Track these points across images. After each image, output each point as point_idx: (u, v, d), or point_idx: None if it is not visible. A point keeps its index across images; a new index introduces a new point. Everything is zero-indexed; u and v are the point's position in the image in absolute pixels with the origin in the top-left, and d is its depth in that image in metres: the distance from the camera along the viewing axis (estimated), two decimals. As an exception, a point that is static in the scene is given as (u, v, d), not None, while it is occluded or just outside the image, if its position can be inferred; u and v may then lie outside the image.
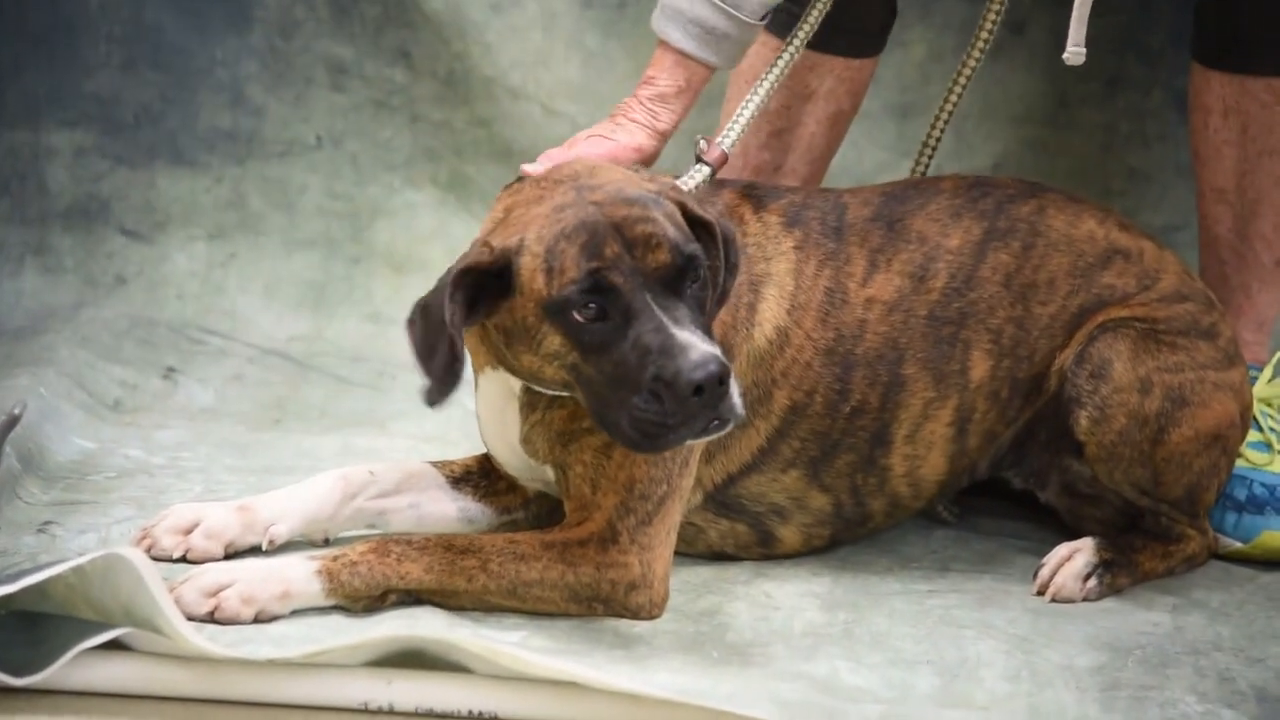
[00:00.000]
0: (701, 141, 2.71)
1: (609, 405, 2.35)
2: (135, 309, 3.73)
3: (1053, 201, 2.80)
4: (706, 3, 2.73)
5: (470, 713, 2.25)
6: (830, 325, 2.68)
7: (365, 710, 2.25)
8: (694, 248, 2.38)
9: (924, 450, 2.72)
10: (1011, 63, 3.71)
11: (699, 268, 2.38)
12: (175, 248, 3.80)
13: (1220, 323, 2.80)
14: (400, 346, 3.55)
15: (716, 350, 2.30)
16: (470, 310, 2.40)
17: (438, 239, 3.83)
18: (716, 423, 2.32)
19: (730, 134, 2.73)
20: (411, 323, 2.44)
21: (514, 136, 3.81)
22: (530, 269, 2.37)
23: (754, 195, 2.73)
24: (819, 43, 2.88)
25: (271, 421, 3.39)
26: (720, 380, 2.28)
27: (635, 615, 2.50)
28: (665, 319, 2.32)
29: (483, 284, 2.40)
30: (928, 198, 2.76)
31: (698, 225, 2.45)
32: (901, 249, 2.72)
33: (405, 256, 3.83)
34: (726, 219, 2.56)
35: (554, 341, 2.38)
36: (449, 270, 2.41)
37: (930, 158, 2.98)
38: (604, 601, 2.49)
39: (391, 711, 2.25)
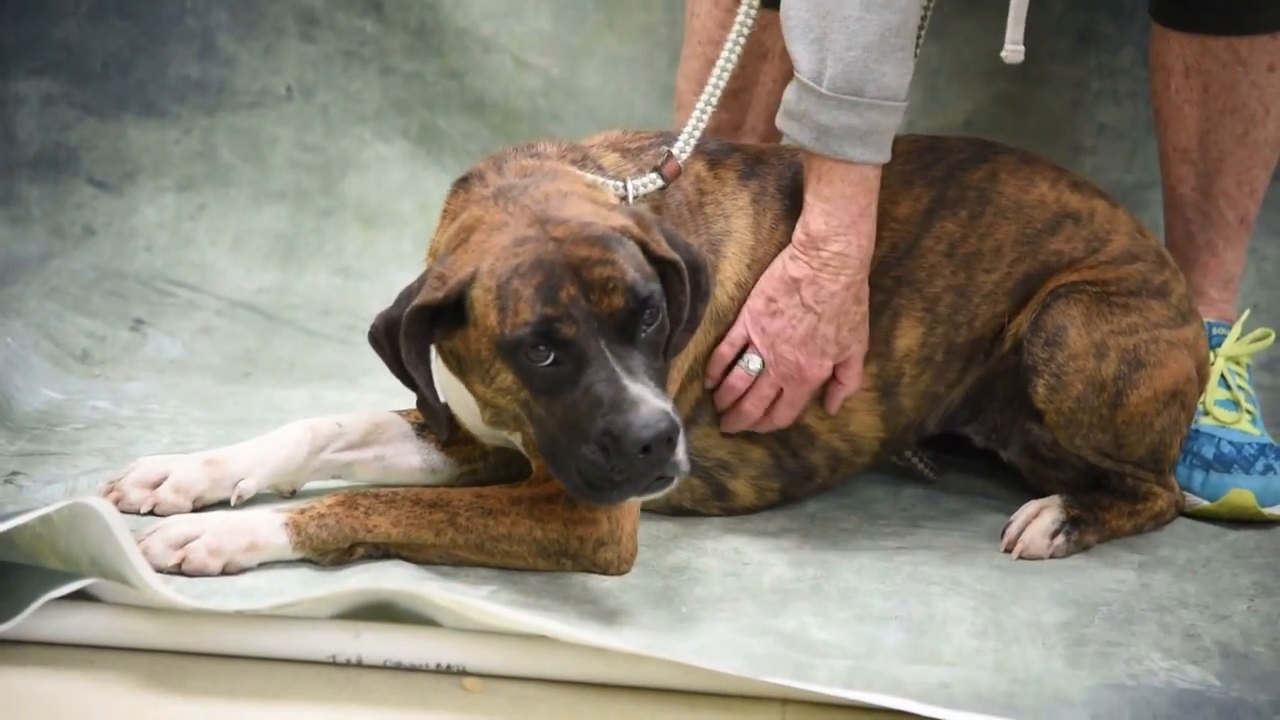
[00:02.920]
0: (669, 152, 2.65)
1: (558, 447, 2.33)
2: (103, 260, 3.71)
3: (1005, 165, 2.79)
4: (879, 109, 2.60)
5: (438, 665, 2.25)
6: None
7: (333, 662, 2.25)
8: (652, 289, 2.35)
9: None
10: (983, 19, 3.70)
11: (657, 311, 2.35)
12: (144, 199, 3.79)
13: (1173, 280, 2.80)
14: (370, 300, 3.57)
15: (667, 406, 2.27)
16: (426, 336, 2.39)
17: (408, 192, 3.82)
18: (661, 480, 2.29)
19: (687, 148, 2.66)
20: (376, 341, 2.42)
21: (485, 89, 3.80)
22: (484, 303, 2.34)
23: (706, 150, 2.72)
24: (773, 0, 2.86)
25: (241, 374, 3.38)
26: (669, 439, 2.25)
27: (604, 571, 2.50)
28: (618, 368, 2.29)
29: (439, 310, 2.38)
30: None
31: (662, 261, 2.42)
32: None
33: (376, 210, 3.82)
34: (697, 247, 2.51)
35: (506, 378, 2.36)
36: (405, 292, 2.40)
37: None
38: (572, 557, 2.49)
39: (359, 664, 2.25)
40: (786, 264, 2.65)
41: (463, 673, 2.26)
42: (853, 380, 2.69)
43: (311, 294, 3.72)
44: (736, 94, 3.06)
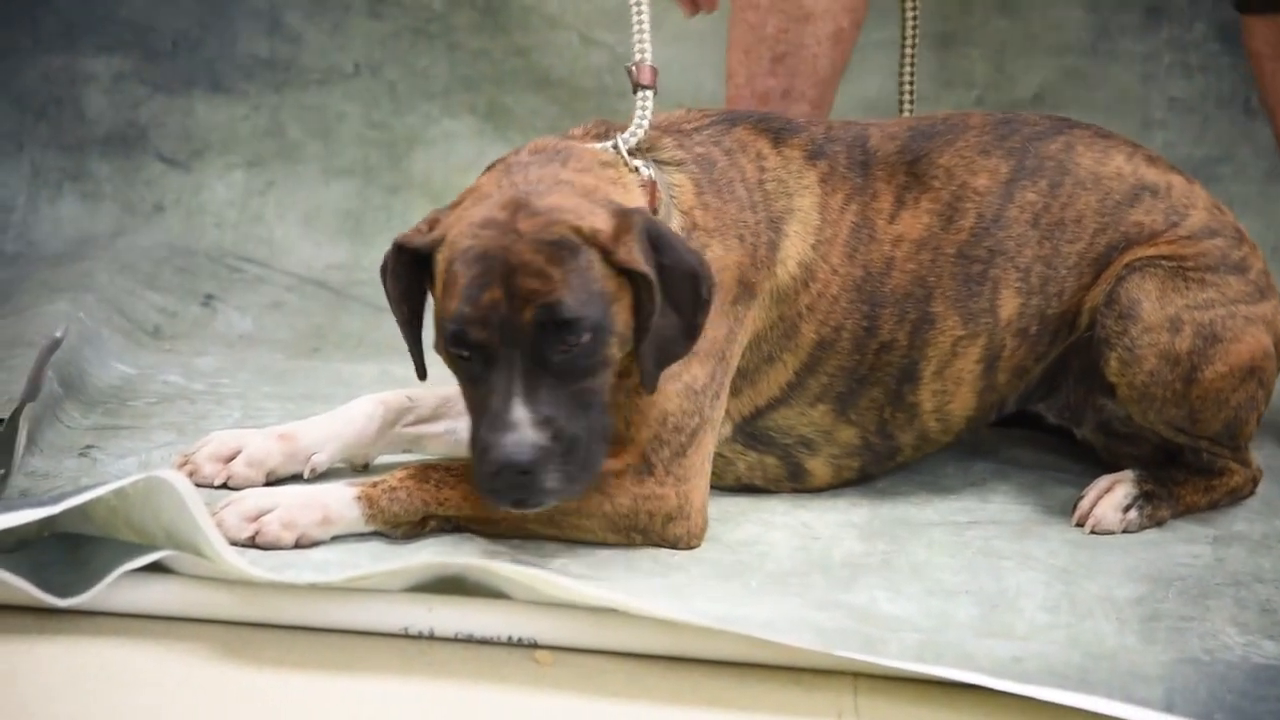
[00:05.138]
0: (630, 68, 2.67)
1: (472, 431, 2.38)
2: (173, 237, 3.74)
3: (1080, 138, 2.77)
4: None
5: (510, 638, 2.26)
6: (857, 261, 2.66)
7: (406, 635, 2.26)
8: (584, 314, 2.33)
9: (952, 386, 2.71)
10: (1054, -7, 3.69)
11: (583, 333, 2.34)
12: (213, 176, 3.81)
13: (1251, 255, 2.77)
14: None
15: (542, 439, 2.29)
16: (410, 276, 2.45)
17: (475, 168, 3.79)
18: (521, 503, 2.33)
19: (645, 48, 2.68)
20: (382, 272, 2.49)
21: (552, 65, 3.80)
22: (438, 273, 2.40)
23: (772, 128, 2.70)
24: None
25: (310, 349, 3.39)
26: (523, 472, 2.28)
27: (674, 545, 2.50)
28: (517, 385, 2.32)
29: (420, 255, 2.43)
30: (956, 134, 2.74)
31: (626, 271, 2.39)
32: (929, 187, 2.70)
33: (443, 185, 3.83)
34: (696, 254, 2.45)
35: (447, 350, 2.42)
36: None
37: (910, 93, 3.01)
38: (642, 532, 2.49)
39: (432, 637, 2.26)
40: None
41: (534, 645, 2.26)
42: None
43: (379, 269, 3.73)
44: (782, 59, 3.04)
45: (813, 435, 2.71)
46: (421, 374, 2.51)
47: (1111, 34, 3.70)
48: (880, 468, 2.77)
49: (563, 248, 2.35)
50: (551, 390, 2.33)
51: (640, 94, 2.64)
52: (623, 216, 2.40)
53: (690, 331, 2.44)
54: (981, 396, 2.73)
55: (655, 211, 2.53)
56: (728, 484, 2.71)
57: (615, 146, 2.57)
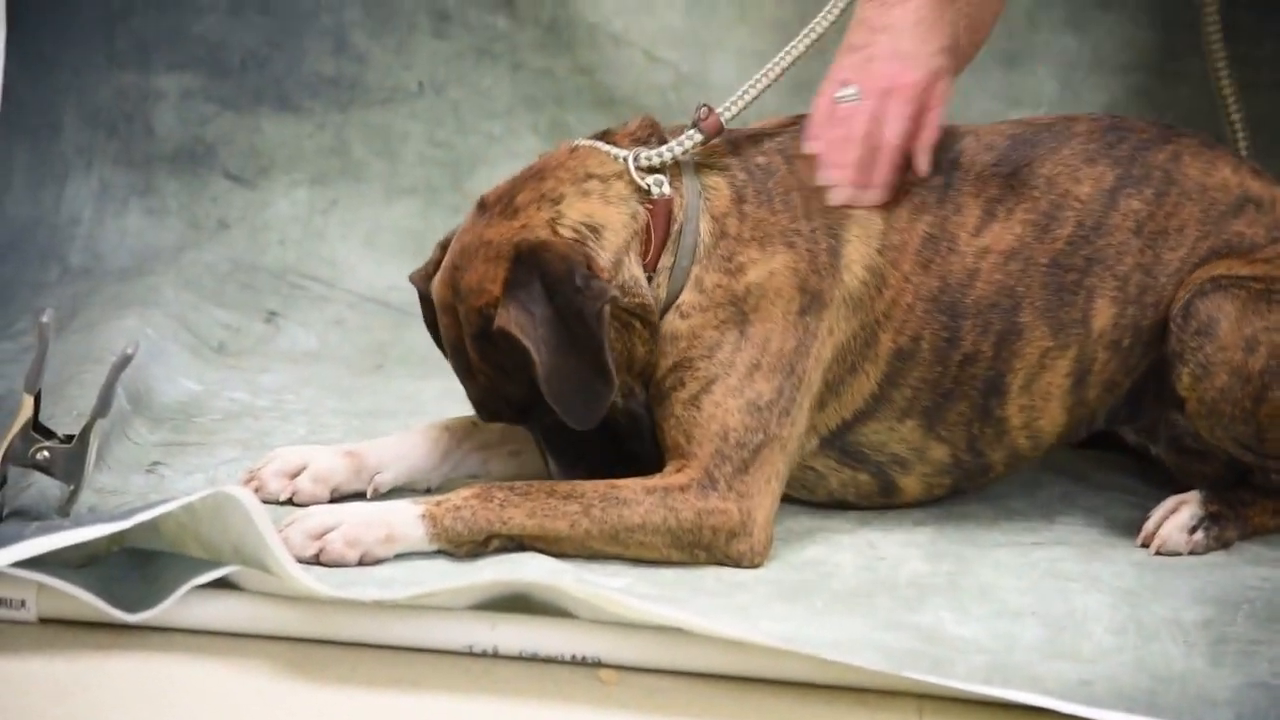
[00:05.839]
0: (703, 109, 2.63)
1: None
2: (237, 253, 3.75)
3: (1188, 147, 2.75)
4: None
5: (574, 657, 2.26)
6: (933, 272, 2.64)
7: (470, 653, 2.26)
8: (513, 395, 2.54)
9: (1041, 401, 2.69)
10: (1122, 12, 3.66)
11: (528, 406, 2.55)
12: (278, 193, 3.82)
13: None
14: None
15: (573, 474, 2.57)
16: None
17: (538, 187, 3.82)
18: None
19: (733, 108, 2.65)
20: None
21: (616, 84, 3.80)
22: None
23: None
24: None
25: (373, 366, 3.40)
26: None
27: (737, 563, 2.50)
28: (538, 438, 2.62)
29: None
30: (1060, 142, 2.71)
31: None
32: (1025, 196, 2.67)
33: (505, 204, 3.83)
34: (582, 284, 2.47)
35: None
36: None
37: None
38: (705, 548, 2.49)
39: (496, 654, 2.26)
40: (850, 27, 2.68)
41: (598, 664, 2.26)
42: (941, 99, 2.65)
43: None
44: None
45: (905, 454, 2.69)
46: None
47: (1179, 53, 3.67)
48: (972, 484, 2.75)
49: (480, 339, 2.49)
50: (559, 429, 2.52)
51: (693, 131, 2.62)
52: (515, 269, 2.47)
53: (599, 368, 2.46)
54: (1071, 412, 2.71)
55: (669, 228, 2.56)
56: (820, 499, 2.71)
57: (630, 159, 2.59)
